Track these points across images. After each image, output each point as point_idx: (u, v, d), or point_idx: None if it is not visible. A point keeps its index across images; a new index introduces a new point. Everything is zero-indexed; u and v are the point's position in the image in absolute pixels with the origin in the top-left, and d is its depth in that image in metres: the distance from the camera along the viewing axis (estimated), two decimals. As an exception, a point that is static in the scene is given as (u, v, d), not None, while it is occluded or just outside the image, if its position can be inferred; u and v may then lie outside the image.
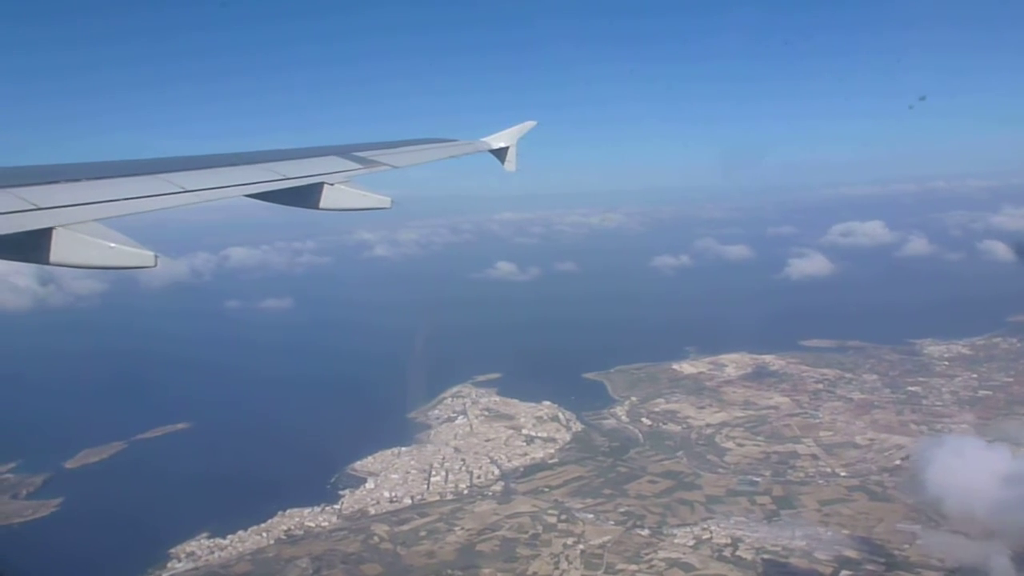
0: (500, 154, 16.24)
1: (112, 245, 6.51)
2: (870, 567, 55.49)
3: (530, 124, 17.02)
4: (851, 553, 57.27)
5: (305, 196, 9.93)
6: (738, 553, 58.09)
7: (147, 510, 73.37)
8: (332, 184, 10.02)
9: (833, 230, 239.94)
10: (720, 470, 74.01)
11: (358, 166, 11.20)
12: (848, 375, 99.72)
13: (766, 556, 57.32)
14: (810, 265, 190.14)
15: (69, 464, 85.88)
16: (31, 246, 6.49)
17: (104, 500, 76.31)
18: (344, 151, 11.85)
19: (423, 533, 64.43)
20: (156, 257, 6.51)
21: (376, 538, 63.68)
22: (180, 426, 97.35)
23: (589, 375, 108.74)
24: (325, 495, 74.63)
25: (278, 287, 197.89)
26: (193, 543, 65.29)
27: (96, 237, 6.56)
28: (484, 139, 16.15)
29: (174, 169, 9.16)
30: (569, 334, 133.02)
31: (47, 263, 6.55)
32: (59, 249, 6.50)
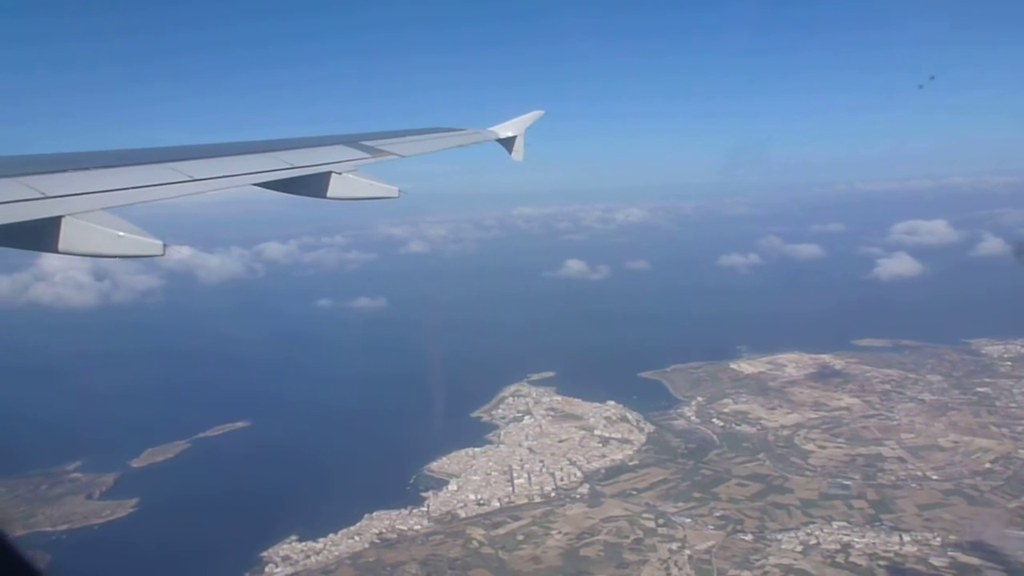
0: (507, 144, 16.09)
1: (120, 234, 6.54)
2: (991, 575, 54.69)
3: (537, 113, 16.74)
4: (968, 559, 56.47)
5: (313, 185, 9.94)
6: (852, 559, 57.25)
7: (226, 511, 72.52)
8: (340, 173, 10.03)
9: (896, 228, 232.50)
10: (807, 473, 73.16)
11: (365, 155, 11.20)
12: (912, 376, 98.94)
13: (881, 563, 56.47)
14: (898, 265, 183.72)
15: (135, 463, 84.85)
16: (40, 234, 6.53)
17: (180, 501, 75.24)
18: (352, 140, 11.88)
19: (520, 537, 63.51)
20: (164, 246, 6.54)
21: (475, 542, 62.73)
22: (239, 424, 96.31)
23: (645, 374, 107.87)
24: (407, 496, 73.70)
25: (352, 285, 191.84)
26: (284, 546, 64.31)
27: (104, 226, 6.59)
28: (491, 128, 15.98)
29: (182, 158, 9.15)
30: (647, 329, 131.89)
31: (56, 251, 6.59)
32: (68, 237, 6.53)
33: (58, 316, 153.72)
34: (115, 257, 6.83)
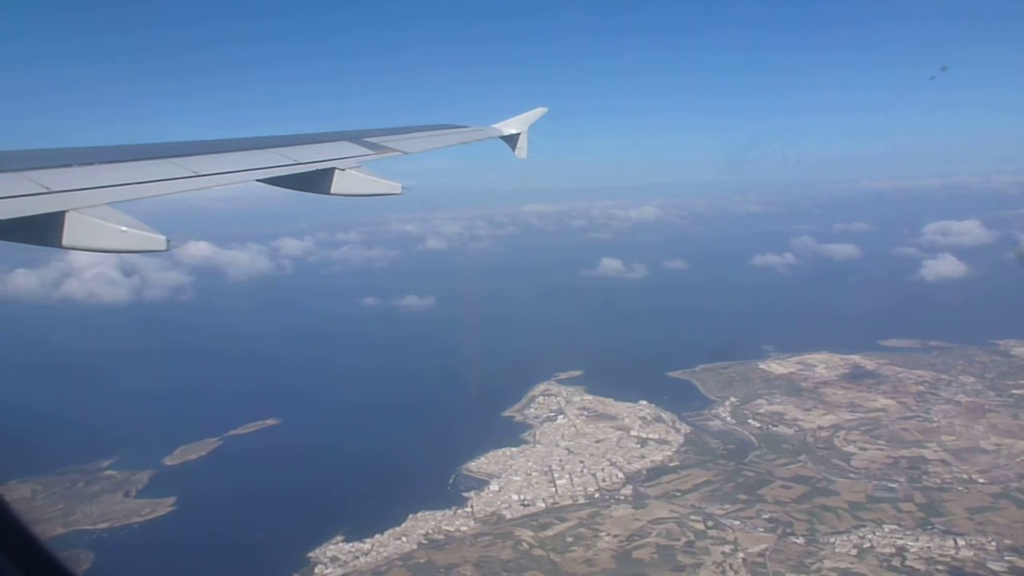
0: (511, 141, 16.04)
1: (124, 229, 6.55)
2: (1052, 580, 54.38)
3: (541, 111, 16.64)
4: (1026, 564, 56.13)
5: (317, 181, 10.01)
6: (908, 563, 56.89)
7: (266, 511, 72.00)
8: (344, 170, 10.08)
9: (928, 228, 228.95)
10: (851, 475, 72.77)
11: (369, 152, 11.24)
12: (944, 377, 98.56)
13: (940, 567, 56.12)
14: (944, 266, 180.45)
15: (169, 461, 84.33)
16: (44, 229, 6.53)
17: (218, 500, 74.81)
18: (355, 136, 11.86)
19: (569, 538, 63.08)
20: (168, 241, 6.55)
21: (524, 544, 62.30)
22: (269, 422, 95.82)
23: (674, 374, 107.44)
24: (449, 496, 73.28)
25: (389, 283, 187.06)
26: (331, 547, 63.83)
27: (108, 221, 6.60)
28: (495, 126, 15.95)
29: (186, 153, 9.15)
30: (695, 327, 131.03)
31: (60, 247, 6.59)
32: (71, 233, 6.54)
33: (91, 313, 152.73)
34: (119, 252, 6.81)
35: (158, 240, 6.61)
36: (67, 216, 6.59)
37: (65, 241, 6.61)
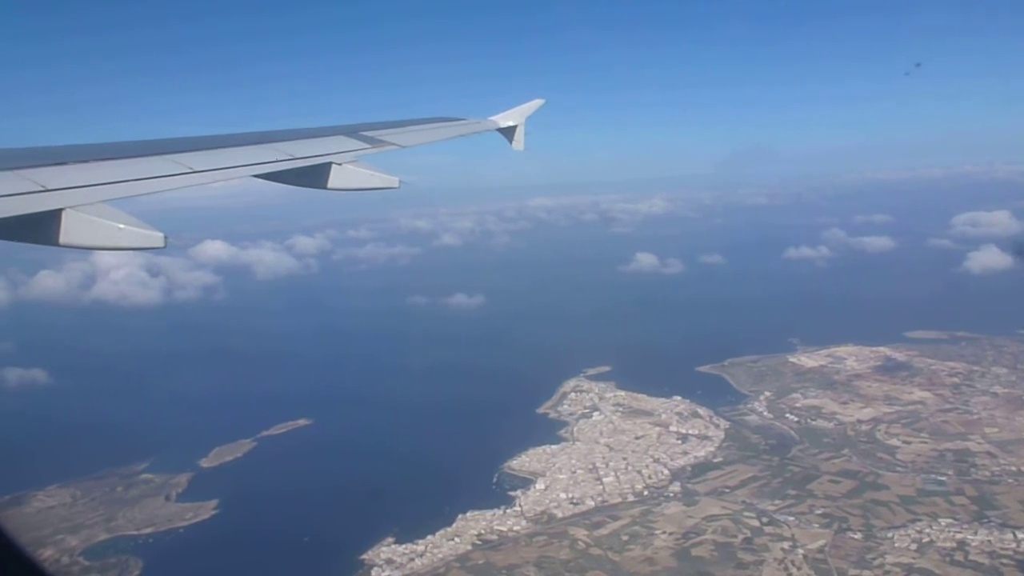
0: (508, 134, 15.95)
1: (121, 226, 6.53)
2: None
3: (538, 103, 16.50)
4: (1090, 557, 55.91)
5: (314, 176, 9.97)
6: (971, 558, 56.58)
7: (311, 512, 71.55)
8: (340, 164, 10.05)
9: (957, 220, 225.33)
10: (899, 469, 72.48)
11: (365, 146, 11.23)
12: (976, 368, 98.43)
13: (1005, 561, 55.84)
14: (988, 257, 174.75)
15: (205, 463, 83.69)
16: (40, 228, 6.52)
17: (261, 502, 74.18)
18: (352, 131, 11.84)
19: (625, 537, 62.65)
20: (166, 238, 6.50)
21: (581, 543, 61.82)
22: (301, 422, 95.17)
23: (703, 368, 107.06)
24: (494, 495, 72.81)
25: (425, 280, 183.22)
26: (384, 549, 63.26)
27: (105, 218, 6.58)
28: (492, 118, 15.90)
29: (182, 150, 9.16)
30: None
31: (57, 244, 6.56)
32: (68, 230, 6.53)
33: (124, 315, 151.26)
34: (116, 250, 6.82)
35: (156, 237, 6.54)
36: (64, 214, 6.55)
37: (62, 239, 6.56)
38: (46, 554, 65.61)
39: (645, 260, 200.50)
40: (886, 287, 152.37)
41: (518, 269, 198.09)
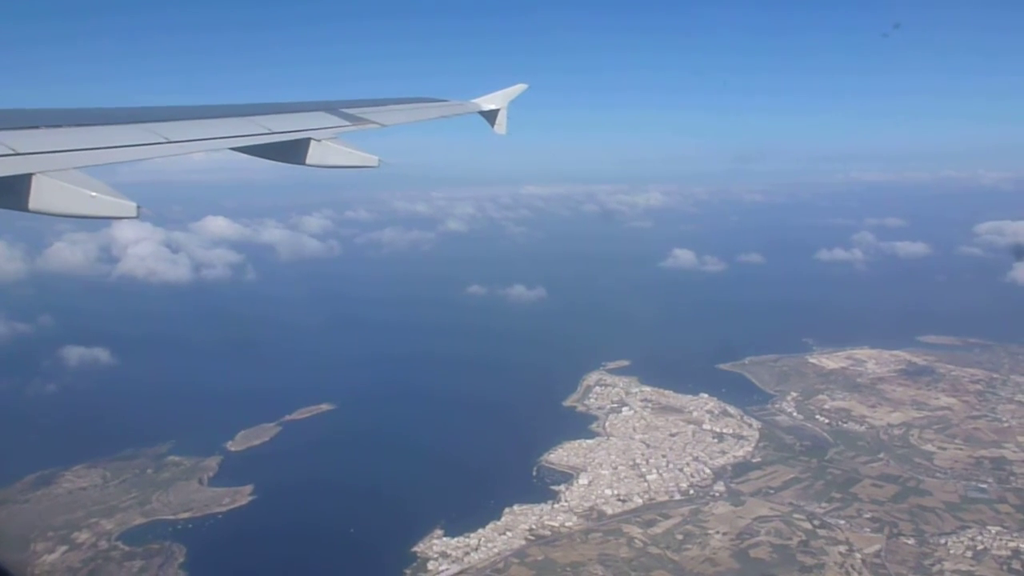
0: (490, 117, 15.93)
1: (93, 194, 6.40)
2: None
3: (521, 87, 16.50)
4: None
5: (292, 151, 9.81)
6: (1029, 567, 57.15)
7: (350, 500, 70.56)
8: (319, 140, 9.88)
9: (981, 228, 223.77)
10: (938, 475, 73.04)
11: (346, 123, 11.07)
12: (996, 375, 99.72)
13: (1062, 570, 56.47)
14: None
15: (232, 446, 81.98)
16: (9, 192, 6.40)
17: (296, 488, 72.98)
18: (332, 107, 11.68)
19: (679, 536, 62.40)
20: (139, 208, 6.41)
21: (638, 542, 61.46)
22: (324, 407, 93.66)
23: (723, 366, 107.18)
24: (536, 489, 72.22)
25: (447, 270, 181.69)
26: (435, 542, 62.29)
27: (77, 185, 6.45)
28: (474, 100, 15.85)
29: (158, 119, 8.99)
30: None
31: (26, 210, 6.44)
32: (38, 196, 6.41)
33: (153, 291, 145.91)
34: (87, 218, 6.59)
35: (128, 206, 6.38)
36: (34, 179, 6.38)
37: (32, 205, 6.38)
38: (82, 537, 64.03)
39: (683, 257, 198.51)
40: (929, 295, 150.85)
41: (559, 263, 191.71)
